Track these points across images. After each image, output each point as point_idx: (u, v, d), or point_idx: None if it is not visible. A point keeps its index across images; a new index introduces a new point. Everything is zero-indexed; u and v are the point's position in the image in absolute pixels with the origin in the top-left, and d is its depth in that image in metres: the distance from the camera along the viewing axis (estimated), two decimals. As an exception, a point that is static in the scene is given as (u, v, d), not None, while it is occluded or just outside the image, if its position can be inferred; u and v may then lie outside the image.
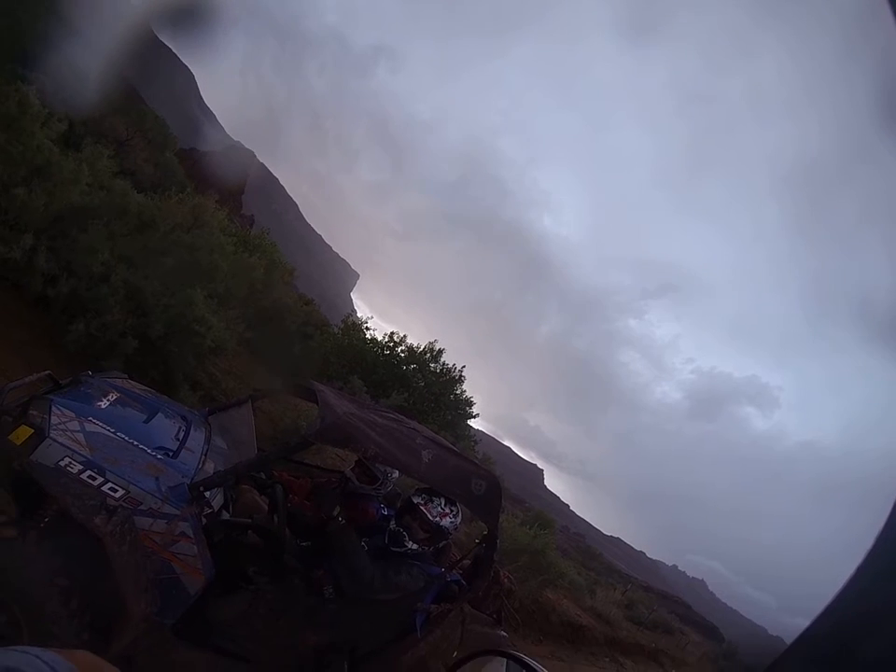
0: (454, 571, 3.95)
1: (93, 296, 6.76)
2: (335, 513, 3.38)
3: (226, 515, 3.51)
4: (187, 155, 32.87)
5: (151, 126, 19.55)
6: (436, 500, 3.67)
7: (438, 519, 3.64)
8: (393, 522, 3.74)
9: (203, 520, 3.22)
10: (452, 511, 3.69)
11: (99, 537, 2.92)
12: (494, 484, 3.80)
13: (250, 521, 3.51)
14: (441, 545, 3.80)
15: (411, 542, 3.65)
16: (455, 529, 3.77)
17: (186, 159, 29.37)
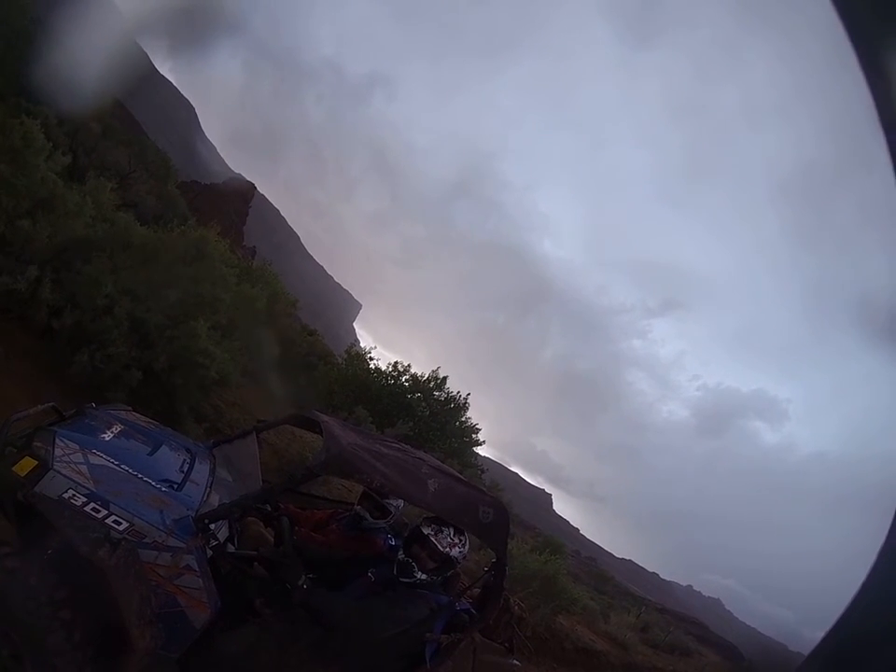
0: (463, 600, 3.89)
1: (98, 328, 6.78)
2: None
3: (231, 548, 3.47)
4: (188, 187, 33.27)
5: (153, 159, 19.82)
6: (445, 531, 3.61)
7: (448, 550, 3.59)
8: (401, 552, 3.69)
9: (209, 552, 3.18)
10: (461, 540, 3.64)
11: (103, 569, 2.88)
12: (501, 511, 3.76)
13: (256, 553, 3.46)
14: (448, 574, 3.74)
15: (420, 573, 3.60)
16: (464, 558, 3.72)
17: (187, 191, 29.71)
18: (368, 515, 4.18)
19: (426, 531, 3.61)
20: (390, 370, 14.75)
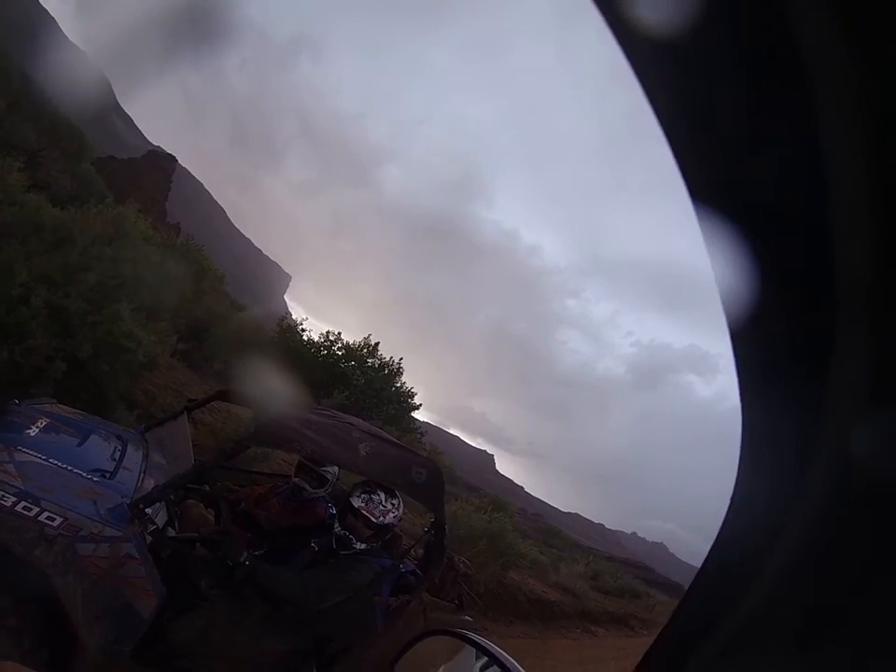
0: (407, 562, 3.97)
1: (14, 320, 6.46)
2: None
3: (172, 532, 3.43)
4: (105, 164, 31.98)
5: (65, 135, 18.82)
6: (376, 498, 3.67)
7: (382, 518, 3.65)
8: (337, 525, 3.73)
9: (148, 538, 3.14)
10: (394, 504, 3.71)
11: (42, 569, 2.81)
12: (434, 471, 3.82)
13: (197, 534, 3.44)
14: (387, 537, 3.81)
15: (358, 543, 3.65)
16: (399, 521, 3.79)
17: (104, 167, 28.56)
18: (307, 486, 4.21)
19: (356, 504, 3.66)
20: (322, 340, 14.67)
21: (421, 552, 4.20)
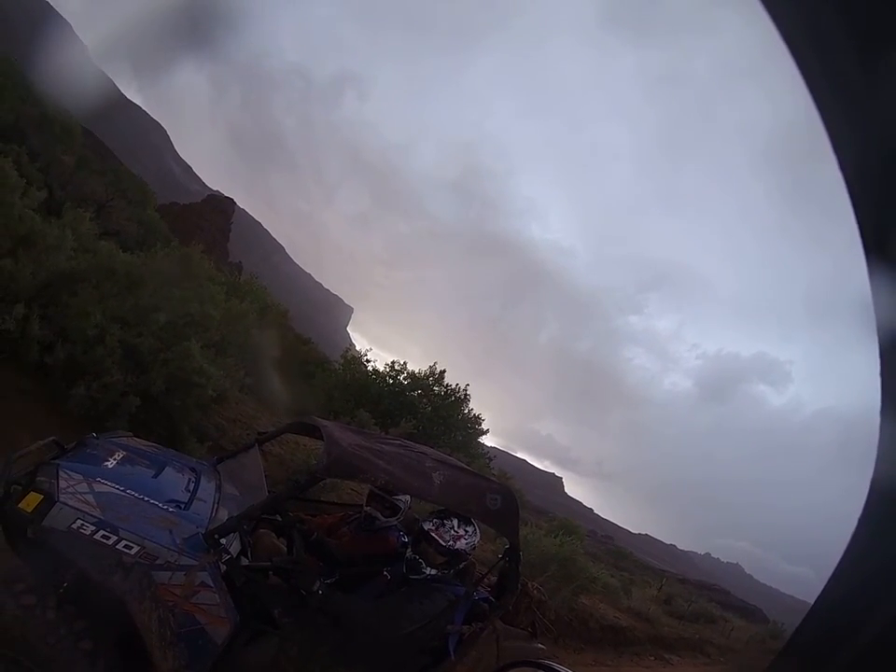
0: (481, 589, 3.90)
1: (90, 359, 6.78)
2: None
3: (245, 561, 3.46)
4: (168, 209, 33.30)
5: (129, 185, 19.74)
6: (448, 524, 3.62)
7: (452, 543, 3.60)
8: (409, 550, 3.70)
9: (222, 567, 3.18)
10: (467, 531, 3.65)
11: (118, 595, 2.89)
12: (509, 497, 3.76)
13: (270, 563, 3.47)
14: (461, 565, 3.75)
15: (429, 568, 3.61)
16: (473, 548, 3.73)
17: (167, 213, 29.70)
18: (379, 515, 4.19)
19: (427, 527, 3.63)
20: (387, 370, 14.77)
21: (494, 579, 4.13)
